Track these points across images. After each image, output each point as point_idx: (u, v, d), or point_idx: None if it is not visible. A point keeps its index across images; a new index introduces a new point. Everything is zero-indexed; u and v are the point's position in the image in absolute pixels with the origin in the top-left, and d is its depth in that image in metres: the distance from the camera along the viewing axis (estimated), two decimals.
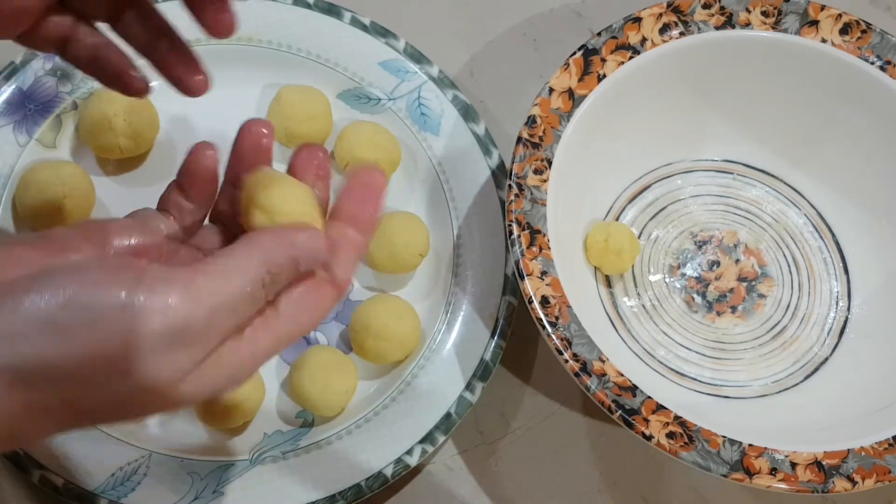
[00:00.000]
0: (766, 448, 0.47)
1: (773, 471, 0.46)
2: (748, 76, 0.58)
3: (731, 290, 0.59)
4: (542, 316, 0.48)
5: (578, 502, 0.54)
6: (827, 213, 0.61)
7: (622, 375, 0.48)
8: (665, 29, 0.56)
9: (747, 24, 0.57)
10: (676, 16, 0.56)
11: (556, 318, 0.49)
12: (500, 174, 0.59)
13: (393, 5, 0.66)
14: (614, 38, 0.56)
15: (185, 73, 0.41)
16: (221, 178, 0.40)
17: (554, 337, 0.48)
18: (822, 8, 0.57)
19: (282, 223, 0.36)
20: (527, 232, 0.50)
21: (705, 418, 0.48)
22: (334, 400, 0.52)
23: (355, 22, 0.61)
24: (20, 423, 0.30)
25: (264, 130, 0.40)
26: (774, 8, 0.57)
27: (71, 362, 0.30)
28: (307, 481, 0.51)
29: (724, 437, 0.47)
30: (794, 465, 0.47)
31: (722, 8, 0.57)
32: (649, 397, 0.48)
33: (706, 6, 0.57)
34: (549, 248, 0.50)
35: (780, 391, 0.56)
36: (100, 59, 0.41)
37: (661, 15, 0.56)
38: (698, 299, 0.58)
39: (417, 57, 0.61)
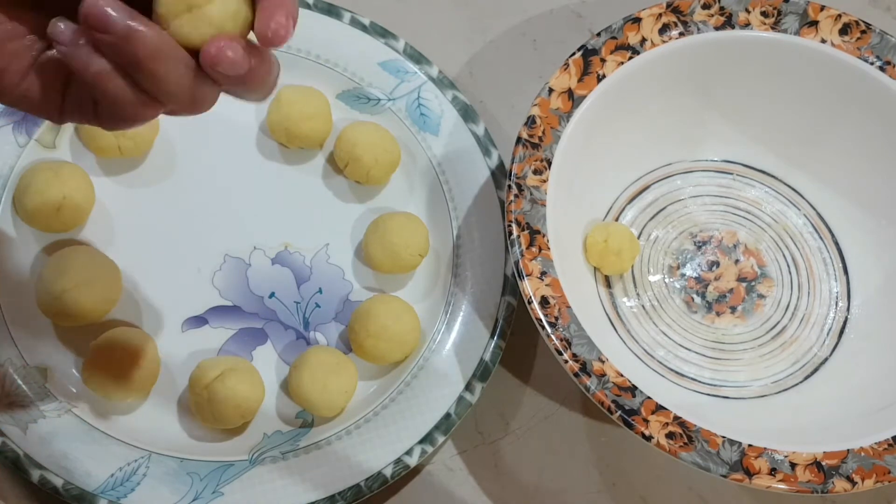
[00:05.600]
0: (765, 448, 0.47)
1: (773, 471, 0.46)
2: (748, 76, 0.59)
3: (731, 291, 0.59)
4: (541, 316, 0.48)
5: (578, 502, 0.54)
6: (826, 214, 0.61)
7: (622, 376, 0.48)
8: (664, 29, 0.56)
9: (747, 25, 0.57)
10: (676, 16, 0.56)
11: (556, 318, 0.49)
12: (499, 174, 0.59)
13: (393, 5, 0.66)
14: (614, 38, 0.56)
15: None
16: None
17: (553, 337, 0.48)
18: (822, 8, 0.57)
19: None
20: (526, 232, 0.50)
21: (705, 418, 0.48)
22: (334, 400, 0.52)
23: (355, 22, 0.61)
24: None
25: None
26: (774, 8, 0.57)
27: None
28: (307, 481, 0.51)
29: (723, 437, 0.47)
30: (793, 465, 0.47)
31: (721, 8, 0.57)
32: (649, 398, 0.48)
33: (706, 6, 0.57)
34: (549, 248, 0.50)
35: (779, 391, 0.56)
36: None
37: (660, 15, 0.56)
38: (698, 300, 0.58)
39: (417, 57, 0.61)
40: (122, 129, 0.33)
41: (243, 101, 0.34)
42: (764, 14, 0.57)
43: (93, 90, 0.32)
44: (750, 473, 0.46)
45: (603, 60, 0.55)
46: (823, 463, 0.47)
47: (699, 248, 0.60)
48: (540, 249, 0.50)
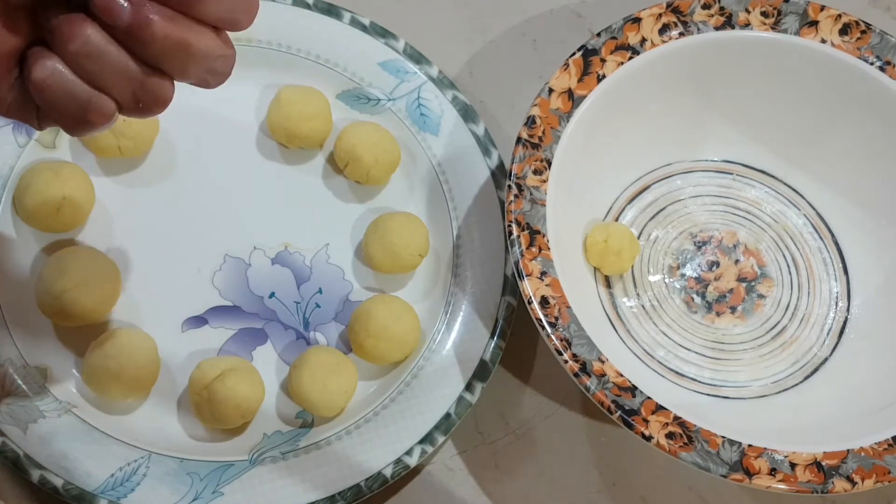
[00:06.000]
0: (765, 448, 0.47)
1: (773, 471, 0.46)
2: (748, 76, 0.59)
3: (731, 291, 0.59)
4: (541, 316, 0.48)
5: (578, 502, 0.54)
6: (826, 214, 0.61)
7: (622, 376, 0.48)
8: (664, 29, 0.56)
9: (747, 25, 0.57)
10: (676, 16, 0.56)
11: (556, 318, 0.49)
12: (499, 174, 0.59)
13: (393, 5, 0.66)
14: (614, 38, 0.56)
15: None
16: None
17: (553, 337, 0.48)
18: (822, 8, 0.57)
19: None
20: (526, 232, 0.50)
21: (705, 419, 0.48)
22: (334, 400, 0.52)
23: (355, 22, 0.61)
24: None
25: None
26: (774, 8, 0.57)
27: None
28: (307, 482, 0.51)
29: (723, 437, 0.47)
30: (793, 465, 0.47)
31: (721, 8, 0.57)
32: (649, 398, 0.48)
33: (706, 6, 0.57)
34: (549, 248, 0.50)
35: (779, 391, 0.56)
36: None
37: (660, 15, 0.56)
38: (698, 300, 0.58)
39: (417, 57, 0.61)
40: (81, 134, 0.35)
41: (192, 83, 0.35)
42: (764, 14, 0.57)
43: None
44: (750, 473, 0.46)
45: (603, 60, 0.55)
46: (823, 463, 0.47)
47: (699, 248, 0.60)
48: (540, 249, 0.50)
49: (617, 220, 0.60)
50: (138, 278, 0.56)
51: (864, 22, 0.57)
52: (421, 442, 0.52)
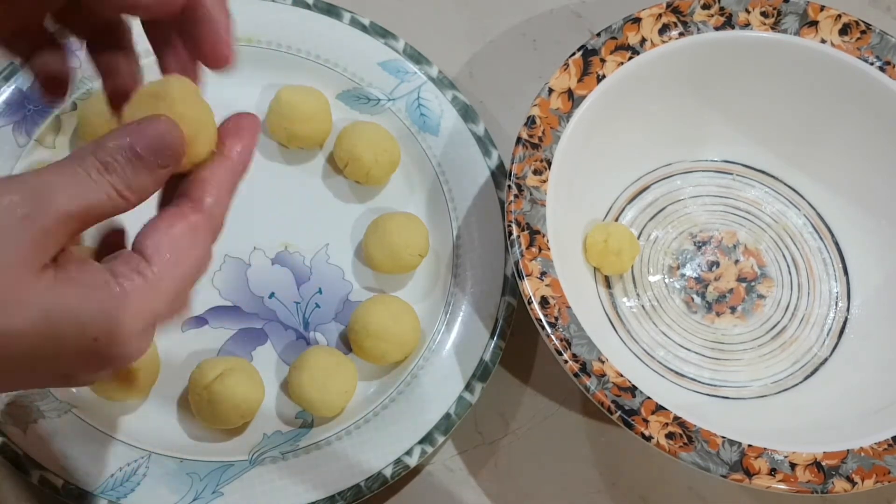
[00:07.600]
0: (765, 448, 0.47)
1: (773, 471, 0.46)
2: (748, 76, 0.59)
3: (731, 291, 0.59)
4: (541, 316, 0.48)
5: (578, 502, 0.54)
6: (826, 214, 0.61)
7: (621, 376, 0.48)
8: (664, 29, 0.56)
9: (747, 25, 0.57)
10: (676, 16, 0.56)
11: (556, 318, 0.49)
12: (499, 174, 0.59)
13: (393, 5, 0.66)
14: (614, 38, 0.56)
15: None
16: None
17: (553, 337, 0.48)
18: (822, 8, 0.57)
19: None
20: (526, 232, 0.50)
21: (705, 419, 0.48)
22: (334, 400, 0.52)
23: (355, 22, 0.61)
24: None
25: None
26: (774, 8, 0.57)
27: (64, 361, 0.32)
28: (307, 482, 0.51)
29: (723, 437, 0.47)
30: (793, 465, 0.47)
31: (721, 8, 0.57)
32: (649, 398, 0.48)
33: (705, 7, 0.57)
34: (549, 248, 0.50)
35: (779, 392, 0.56)
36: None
37: (660, 15, 0.56)
38: (698, 300, 0.58)
39: (417, 57, 0.61)
40: None
41: None
42: (764, 14, 0.57)
43: None
44: (750, 473, 0.46)
45: (603, 60, 0.55)
46: (823, 463, 0.47)
47: (699, 248, 0.60)
48: (540, 249, 0.50)
49: (617, 220, 0.60)
50: None
51: (864, 22, 0.57)
52: (421, 442, 0.52)
